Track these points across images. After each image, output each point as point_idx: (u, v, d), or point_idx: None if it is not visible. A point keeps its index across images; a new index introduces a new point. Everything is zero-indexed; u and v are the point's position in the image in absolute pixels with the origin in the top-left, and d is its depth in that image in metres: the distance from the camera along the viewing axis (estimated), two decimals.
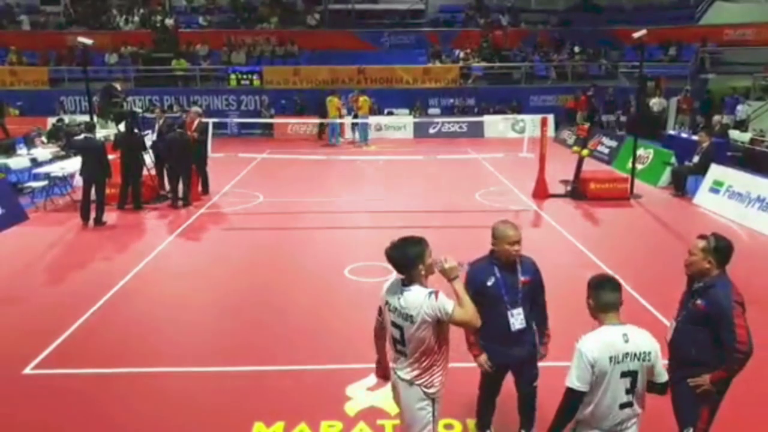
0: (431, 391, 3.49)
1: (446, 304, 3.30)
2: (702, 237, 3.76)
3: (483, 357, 4.16)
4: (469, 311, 3.34)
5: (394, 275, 3.57)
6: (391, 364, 3.70)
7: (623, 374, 3.14)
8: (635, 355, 3.15)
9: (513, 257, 3.98)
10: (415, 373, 3.46)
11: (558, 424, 3.28)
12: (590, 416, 3.22)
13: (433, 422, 3.55)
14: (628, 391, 3.18)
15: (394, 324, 3.46)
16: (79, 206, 10.69)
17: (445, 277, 3.41)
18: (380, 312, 3.67)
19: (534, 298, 4.14)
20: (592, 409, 3.20)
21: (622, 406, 3.19)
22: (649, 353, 3.18)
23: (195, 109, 14.08)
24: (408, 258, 3.37)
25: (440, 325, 3.38)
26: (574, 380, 3.14)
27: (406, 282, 3.42)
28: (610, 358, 3.11)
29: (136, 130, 11.67)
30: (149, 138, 12.63)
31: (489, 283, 3.99)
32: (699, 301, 3.68)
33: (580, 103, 21.48)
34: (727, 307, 3.56)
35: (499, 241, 3.98)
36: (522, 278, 4.02)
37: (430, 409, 3.52)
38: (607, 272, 7.86)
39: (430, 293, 3.32)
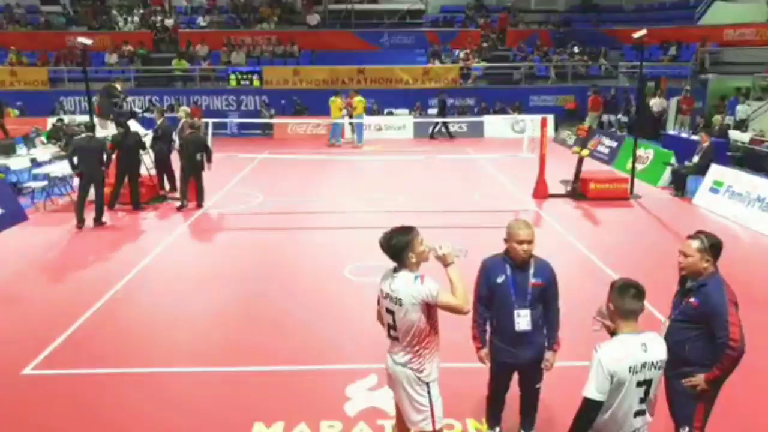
0: (423, 375, 3.59)
1: (431, 287, 3.44)
2: (692, 237, 3.75)
3: (483, 351, 4.14)
4: (459, 298, 3.45)
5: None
6: (387, 352, 3.76)
7: (639, 383, 3.10)
8: (653, 364, 3.11)
9: (522, 257, 3.92)
10: (408, 357, 3.58)
11: None
12: (603, 425, 3.17)
13: (431, 406, 3.61)
14: (642, 400, 3.14)
15: (387, 310, 3.60)
16: (75, 207, 10.49)
17: (442, 264, 3.54)
18: (378, 301, 3.77)
19: (546, 303, 4.05)
20: (607, 418, 3.14)
21: (636, 414, 3.15)
22: (663, 360, 3.15)
23: (183, 108, 14.01)
24: (396, 246, 3.54)
25: (429, 308, 3.52)
26: (593, 390, 3.05)
27: (397, 269, 3.58)
28: (630, 368, 3.05)
29: (133, 130, 11.65)
30: (148, 138, 12.58)
31: (499, 281, 3.97)
32: (692, 299, 3.68)
33: (591, 102, 21.30)
34: (720, 305, 3.57)
35: (509, 239, 3.95)
36: (533, 280, 3.96)
37: (426, 394, 3.61)
38: (608, 272, 7.91)
39: (416, 277, 3.49)
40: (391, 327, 3.61)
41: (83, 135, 10.65)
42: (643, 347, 3.10)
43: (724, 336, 3.52)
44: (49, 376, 5.61)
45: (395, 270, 3.59)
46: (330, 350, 6.04)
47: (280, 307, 7.13)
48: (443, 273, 3.56)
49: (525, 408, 4.37)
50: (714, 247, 3.69)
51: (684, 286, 3.81)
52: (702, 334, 3.65)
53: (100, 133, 11.89)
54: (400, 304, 3.49)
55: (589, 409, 3.09)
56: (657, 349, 3.15)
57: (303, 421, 4.82)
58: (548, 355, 4.12)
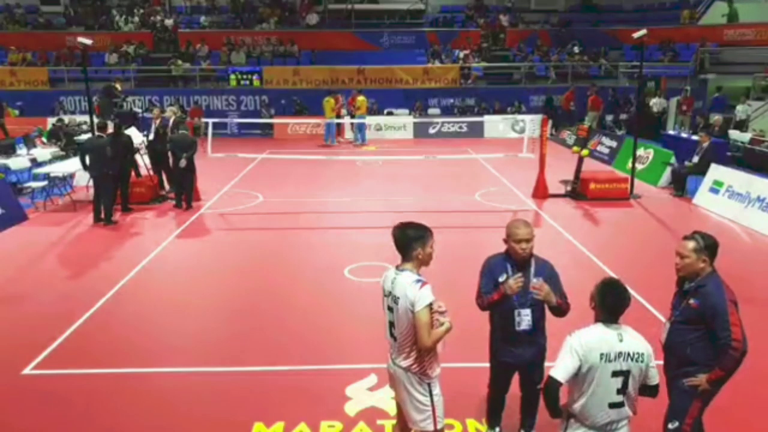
0: (424, 374, 3.59)
1: (422, 299, 3.40)
2: (688, 238, 3.74)
3: (503, 286, 3.91)
4: (430, 335, 3.41)
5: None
6: (388, 355, 3.76)
7: (614, 373, 3.15)
8: (628, 354, 3.16)
9: (521, 256, 3.94)
10: (408, 360, 3.57)
11: (548, 410, 3.37)
12: (580, 411, 3.25)
13: (432, 405, 3.62)
14: (619, 391, 3.18)
15: (388, 308, 3.60)
16: (93, 207, 10.71)
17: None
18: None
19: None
20: (582, 403, 3.22)
21: (612, 405, 3.20)
22: (643, 354, 3.19)
23: (171, 107, 13.95)
24: (408, 237, 3.55)
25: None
26: (555, 370, 3.19)
27: (402, 264, 3.59)
28: (601, 354, 3.13)
29: (128, 132, 11.65)
30: (141, 138, 12.52)
31: (501, 279, 3.97)
32: (692, 301, 3.67)
33: (591, 102, 21.27)
34: (721, 306, 3.56)
35: (509, 239, 3.97)
36: (533, 279, 3.96)
37: (427, 393, 3.62)
38: (612, 275, 7.90)
39: (418, 281, 3.45)
40: (392, 325, 3.62)
41: (96, 134, 10.63)
42: (619, 336, 3.18)
43: (726, 336, 3.51)
44: (49, 376, 5.61)
45: (398, 267, 3.59)
46: (330, 350, 6.04)
47: (280, 307, 7.13)
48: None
49: (525, 408, 4.36)
50: (710, 247, 3.68)
51: (682, 287, 3.80)
52: (703, 335, 3.63)
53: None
54: (398, 303, 3.50)
55: (550, 387, 3.21)
56: (634, 343, 3.20)
57: (303, 421, 4.82)
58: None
